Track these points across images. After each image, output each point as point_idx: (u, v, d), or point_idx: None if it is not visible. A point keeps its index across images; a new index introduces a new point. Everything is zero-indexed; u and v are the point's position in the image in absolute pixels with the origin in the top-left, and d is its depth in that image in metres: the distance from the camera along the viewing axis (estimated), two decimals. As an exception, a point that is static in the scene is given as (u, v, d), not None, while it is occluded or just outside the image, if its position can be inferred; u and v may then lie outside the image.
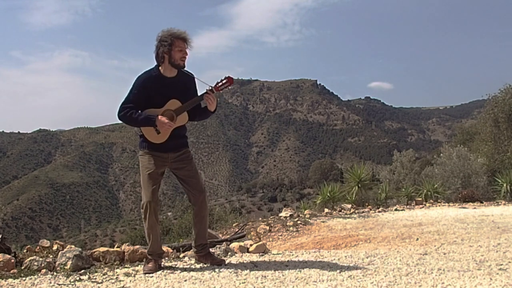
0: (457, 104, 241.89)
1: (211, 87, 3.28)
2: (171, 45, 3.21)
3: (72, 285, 2.82)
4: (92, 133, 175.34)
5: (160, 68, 3.30)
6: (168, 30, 3.27)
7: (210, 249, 3.59)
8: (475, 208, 8.25)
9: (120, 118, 3.26)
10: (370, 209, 8.32)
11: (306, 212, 7.55)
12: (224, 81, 3.27)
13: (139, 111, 3.23)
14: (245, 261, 3.52)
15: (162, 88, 3.26)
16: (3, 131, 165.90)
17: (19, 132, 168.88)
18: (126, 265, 3.43)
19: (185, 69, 3.36)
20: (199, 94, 3.35)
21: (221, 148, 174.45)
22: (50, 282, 2.87)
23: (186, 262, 3.53)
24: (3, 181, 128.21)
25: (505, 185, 10.86)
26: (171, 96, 3.27)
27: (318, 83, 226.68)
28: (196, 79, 3.41)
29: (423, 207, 8.78)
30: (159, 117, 3.18)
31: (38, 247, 3.92)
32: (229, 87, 3.29)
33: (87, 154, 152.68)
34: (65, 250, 3.42)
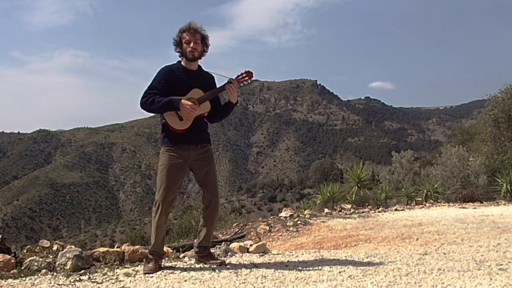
0: (457, 104, 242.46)
1: (232, 79, 3.35)
2: (180, 40, 3.30)
3: (72, 285, 2.82)
4: (92, 133, 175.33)
5: (182, 62, 3.38)
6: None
7: (210, 250, 3.59)
8: (475, 208, 8.25)
9: (142, 104, 3.23)
10: (370, 209, 8.32)
11: (306, 212, 7.55)
12: (244, 75, 3.37)
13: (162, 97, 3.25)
14: (245, 261, 3.52)
15: (184, 78, 3.31)
16: (3, 131, 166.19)
17: (19, 132, 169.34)
18: (126, 265, 3.42)
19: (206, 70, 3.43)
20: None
21: (221, 148, 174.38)
22: (50, 282, 2.87)
23: (186, 262, 3.53)
24: (3, 181, 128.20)
25: (505, 185, 10.87)
26: (193, 85, 3.30)
27: (318, 83, 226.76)
28: (215, 75, 3.47)
29: (423, 207, 8.78)
30: (183, 100, 3.19)
31: (38, 247, 3.91)
32: (249, 81, 3.37)
33: (87, 154, 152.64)
34: (65, 250, 3.41)
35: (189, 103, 3.19)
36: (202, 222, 3.45)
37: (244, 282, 2.76)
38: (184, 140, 3.28)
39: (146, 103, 3.22)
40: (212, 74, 3.46)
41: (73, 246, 3.63)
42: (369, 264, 3.26)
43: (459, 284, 2.52)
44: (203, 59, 3.43)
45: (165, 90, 3.25)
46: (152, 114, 3.42)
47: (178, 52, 3.34)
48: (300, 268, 3.17)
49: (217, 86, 3.42)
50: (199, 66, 3.43)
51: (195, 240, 3.57)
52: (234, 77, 3.36)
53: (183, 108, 3.18)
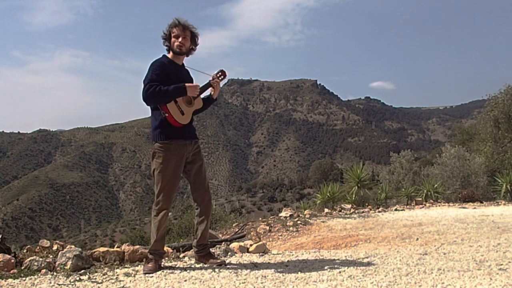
0: (457, 104, 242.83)
1: (212, 76, 3.42)
2: (170, 34, 3.32)
3: (72, 285, 2.82)
4: (92, 133, 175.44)
5: (168, 56, 3.38)
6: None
7: (210, 249, 3.59)
8: (475, 208, 8.25)
9: (149, 95, 3.12)
10: (370, 209, 8.32)
11: (306, 212, 7.56)
12: (219, 74, 3.44)
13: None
14: (245, 261, 3.52)
15: (176, 72, 3.33)
16: (3, 131, 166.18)
17: (19, 132, 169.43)
18: (126, 265, 3.42)
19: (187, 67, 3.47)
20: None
21: (221, 148, 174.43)
22: (50, 282, 2.87)
23: (186, 262, 3.53)
24: (3, 181, 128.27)
25: (505, 185, 10.87)
26: (185, 81, 3.31)
27: (318, 83, 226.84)
28: (190, 69, 3.50)
29: (423, 207, 8.78)
30: (186, 84, 3.24)
31: (38, 247, 3.91)
32: (223, 80, 3.49)
33: (87, 154, 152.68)
34: (65, 250, 3.41)
35: (193, 84, 3.27)
36: (198, 220, 3.42)
37: (244, 282, 2.76)
38: (182, 135, 3.27)
39: (154, 93, 3.10)
40: (187, 68, 3.49)
41: (73, 246, 3.63)
42: (369, 264, 3.26)
43: (459, 284, 2.51)
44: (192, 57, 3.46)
45: (163, 82, 3.20)
46: (149, 115, 3.40)
47: (166, 46, 3.35)
48: (300, 268, 3.17)
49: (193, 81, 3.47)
50: (182, 63, 3.44)
51: (194, 240, 3.57)
52: (213, 75, 3.42)
53: (191, 90, 3.22)
